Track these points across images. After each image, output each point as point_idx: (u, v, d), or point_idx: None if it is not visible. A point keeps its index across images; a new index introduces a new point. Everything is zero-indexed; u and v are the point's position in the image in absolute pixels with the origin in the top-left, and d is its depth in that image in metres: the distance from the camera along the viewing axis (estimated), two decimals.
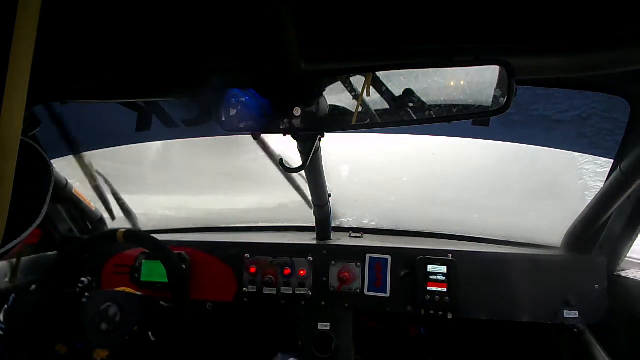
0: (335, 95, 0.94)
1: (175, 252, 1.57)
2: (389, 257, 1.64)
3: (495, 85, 0.85)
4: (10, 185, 0.59)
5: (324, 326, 1.62)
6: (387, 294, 1.61)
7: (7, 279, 1.51)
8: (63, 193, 1.63)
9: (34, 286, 1.35)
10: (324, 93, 0.92)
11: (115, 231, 1.43)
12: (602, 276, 1.51)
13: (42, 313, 1.32)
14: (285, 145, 1.08)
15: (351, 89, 0.92)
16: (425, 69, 0.89)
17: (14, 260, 1.54)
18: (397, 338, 2.08)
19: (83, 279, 1.58)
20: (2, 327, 1.28)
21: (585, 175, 1.66)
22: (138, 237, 1.45)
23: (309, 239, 1.81)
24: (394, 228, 2.04)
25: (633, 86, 1.11)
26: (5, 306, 1.29)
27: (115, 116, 1.44)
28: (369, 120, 0.92)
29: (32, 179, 0.81)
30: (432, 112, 0.89)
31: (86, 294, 1.39)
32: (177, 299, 1.37)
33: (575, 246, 1.57)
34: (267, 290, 1.65)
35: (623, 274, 1.49)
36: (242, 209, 2.16)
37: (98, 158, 1.95)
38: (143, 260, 1.69)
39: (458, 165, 1.84)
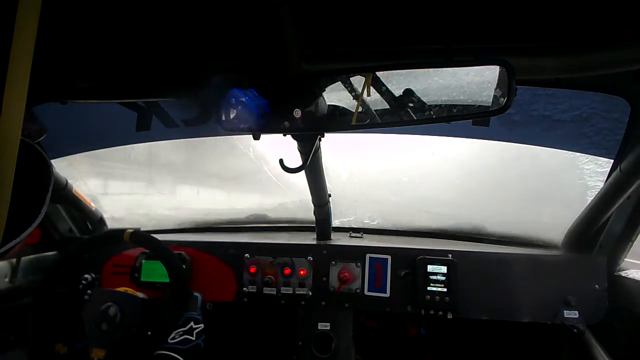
0: (335, 96, 0.94)
1: (175, 252, 1.57)
2: (389, 257, 1.63)
3: (495, 85, 0.85)
4: (10, 185, 0.59)
5: (324, 326, 1.62)
6: (387, 294, 1.61)
7: (7, 279, 1.51)
8: (63, 193, 1.63)
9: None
10: (324, 93, 0.92)
11: (121, 231, 1.42)
12: (602, 276, 1.51)
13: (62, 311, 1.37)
14: (285, 146, 1.09)
15: (351, 89, 0.92)
16: (425, 69, 0.89)
17: (14, 260, 1.54)
18: (397, 338, 2.08)
19: (86, 275, 1.57)
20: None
21: (585, 175, 1.66)
22: (144, 239, 1.44)
23: (309, 239, 1.81)
24: (394, 228, 2.04)
25: (633, 86, 1.11)
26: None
27: (115, 116, 1.44)
28: (369, 120, 0.92)
29: (32, 179, 0.81)
30: (432, 112, 0.89)
31: (88, 291, 1.39)
32: (179, 304, 1.38)
33: (575, 246, 1.58)
34: (267, 290, 1.65)
35: (623, 274, 1.49)
36: (242, 209, 2.16)
37: (97, 158, 1.95)
38: (143, 260, 1.69)
39: (458, 166, 1.84)
